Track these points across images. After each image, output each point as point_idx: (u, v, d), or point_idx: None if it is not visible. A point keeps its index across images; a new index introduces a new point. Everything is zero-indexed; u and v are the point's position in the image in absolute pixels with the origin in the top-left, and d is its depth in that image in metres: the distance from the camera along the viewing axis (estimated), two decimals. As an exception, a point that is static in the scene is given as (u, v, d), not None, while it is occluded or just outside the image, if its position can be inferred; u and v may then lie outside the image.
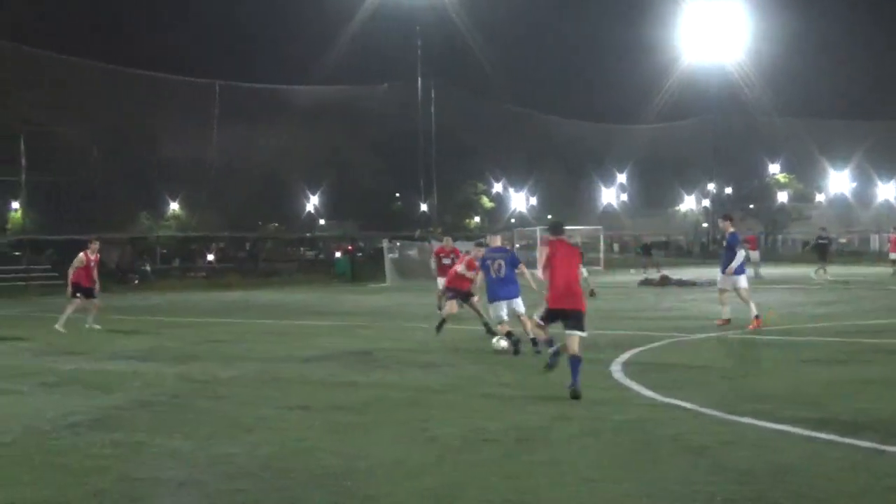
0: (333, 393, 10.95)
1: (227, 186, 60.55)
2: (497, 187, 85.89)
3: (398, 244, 52.60)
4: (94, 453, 8.05)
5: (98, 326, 20.85)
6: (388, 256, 47.99)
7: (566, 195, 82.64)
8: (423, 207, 68.51)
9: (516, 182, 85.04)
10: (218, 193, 60.13)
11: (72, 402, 10.69)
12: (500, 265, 14.38)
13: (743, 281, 17.72)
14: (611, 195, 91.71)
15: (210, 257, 71.91)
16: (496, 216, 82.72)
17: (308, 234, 75.11)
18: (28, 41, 51.99)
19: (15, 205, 60.25)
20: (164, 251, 69.77)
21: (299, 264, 66.89)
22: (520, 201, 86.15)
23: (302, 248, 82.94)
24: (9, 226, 60.38)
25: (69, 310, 20.78)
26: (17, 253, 56.48)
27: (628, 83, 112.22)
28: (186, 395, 11.14)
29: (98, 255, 21.74)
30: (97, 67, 54.95)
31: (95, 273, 21.33)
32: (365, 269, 51.07)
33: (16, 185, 54.17)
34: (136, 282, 49.47)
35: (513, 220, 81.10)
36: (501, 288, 14.38)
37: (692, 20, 71.42)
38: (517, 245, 54.25)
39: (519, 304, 14.52)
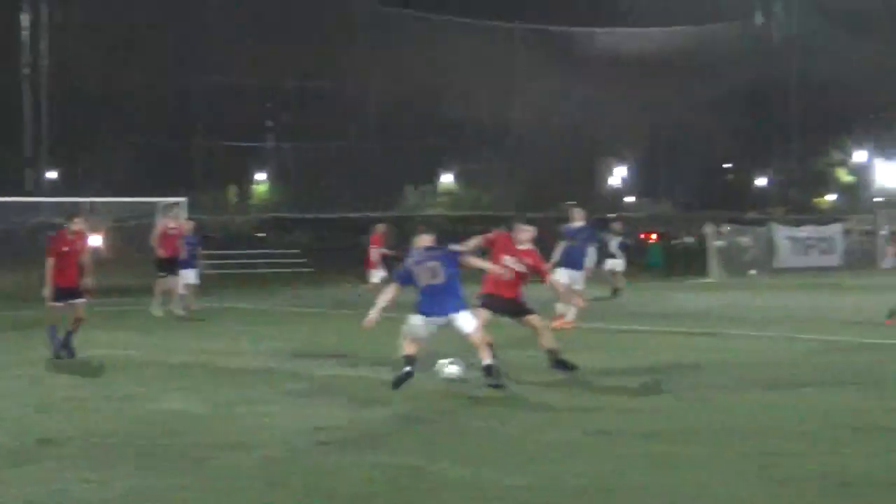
0: (640, 417, 10.98)
1: (517, 155, 61.29)
2: (859, 156, 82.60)
3: (727, 228, 51.58)
4: (358, 477, 8.47)
5: (182, 313, 24.47)
6: (714, 244, 47.18)
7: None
8: (762, 182, 67.01)
9: (887, 150, 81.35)
10: (503, 164, 61.00)
11: (328, 413, 11.26)
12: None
13: None
14: None
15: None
16: (855, 193, 79.66)
17: (612, 215, 74.96)
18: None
19: (260, 176, 63.34)
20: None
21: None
22: (890, 175, 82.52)
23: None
24: (252, 200, 63.36)
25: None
26: (261, 234, 58.77)
27: None
28: (457, 412, 11.50)
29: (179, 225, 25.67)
30: (366, 8, 56.58)
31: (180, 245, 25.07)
32: (683, 259, 50.50)
33: (262, 152, 57.17)
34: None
35: (879, 199, 77.85)
36: None
37: None
38: (883, 231, 52.10)
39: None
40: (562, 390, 12.74)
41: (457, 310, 13.09)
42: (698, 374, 14.13)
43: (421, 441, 9.93)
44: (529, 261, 13.97)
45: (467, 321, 12.99)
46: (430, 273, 13.23)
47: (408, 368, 12.71)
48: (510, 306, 14.01)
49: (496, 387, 12.58)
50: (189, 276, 25.50)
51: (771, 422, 10.68)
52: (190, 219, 28.21)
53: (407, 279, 13.41)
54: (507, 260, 13.70)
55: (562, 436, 10.04)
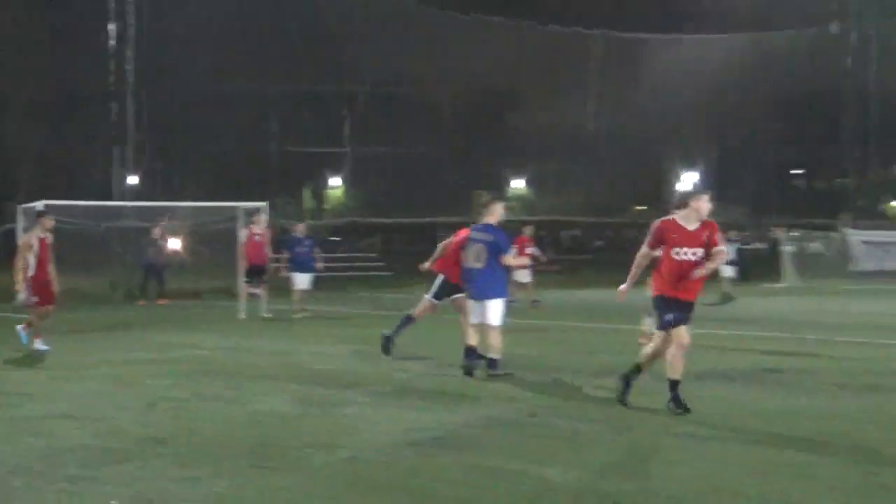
0: (745, 421, 10.96)
1: (587, 160, 61.21)
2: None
3: (797, 234, 51.18)
4: (446, 478, 8.55)
5: (269, 315, 24.91)
6: (786, 249, 46.88)
7: None
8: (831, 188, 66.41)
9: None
10: (574, 169, 60.88)
11: (412, 415, 11.34)
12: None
13: None
14: None
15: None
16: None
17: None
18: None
19: (335, 181, 63.85)
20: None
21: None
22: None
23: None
24: (326, 206, 63.76)
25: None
26: (336, 238, 59.03)
27: None
28: (545, 412, 11.52)
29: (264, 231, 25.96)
30: (441, 15, 56.57)
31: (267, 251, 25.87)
32: (756, 264, 50.11)
33: (337, 158, 57.43)
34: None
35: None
36: None
37: None
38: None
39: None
40: (651, 395, 12.70)
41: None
42: (785, 379, 14.05)
43: (512, 443, 9.96)
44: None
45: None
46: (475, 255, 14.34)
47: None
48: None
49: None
50: (304, 280, 25.85)
51: (870, 428, 10.60)
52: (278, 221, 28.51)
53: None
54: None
55: (657, 440, 10.09)
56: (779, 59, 63.10)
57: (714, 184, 70.23)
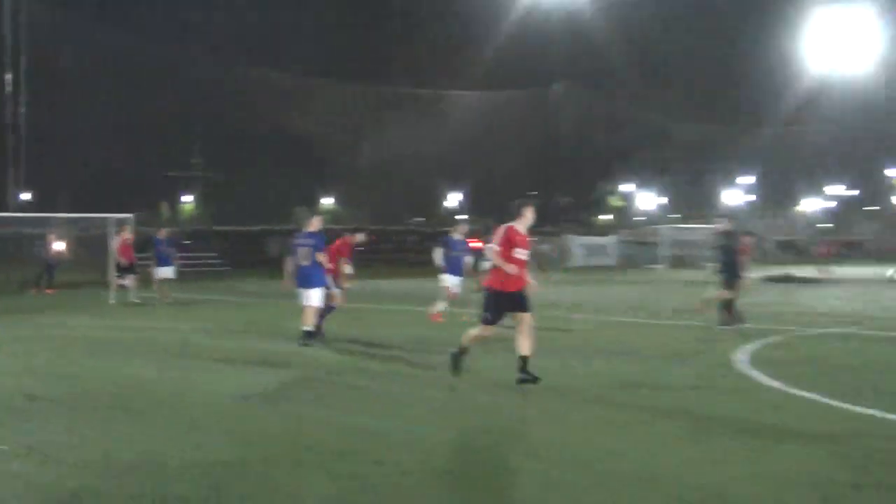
0: (477, 374, 11.06)
1: (378, 184, 61.74)
2: (628, 188, 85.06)
3: (532, 239, 52.48)
4: (266, 423, 8.48)
5: (137, 300, 24.12)
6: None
7: (692, 195, 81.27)
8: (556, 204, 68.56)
9: (645, 183, 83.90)
10: (370, 190, 61.31)
11: (244, 377, 11.13)
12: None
13: None
14: (736, 195, 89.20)
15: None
16: (626, 214, 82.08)
17: (448, 229, 75.51)
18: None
19: (187, 198, 62.75)
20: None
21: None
22: (648, 201, 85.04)
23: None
24: (181, 217, 62.64)
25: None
26: (187, 242, 57.96)
27: (758, 87, 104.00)
28: (348, 373, 11.44)
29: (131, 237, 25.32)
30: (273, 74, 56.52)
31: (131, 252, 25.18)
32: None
33: (188, 180, 56.26)
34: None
35: (639, 218, 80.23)
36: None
37: (822, 29, 67.71)
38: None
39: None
40: (423, 357, 12.77)
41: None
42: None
43: (318, 396, 9.87)
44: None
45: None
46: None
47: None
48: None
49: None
50: (167, 272, 24.99)
51: (582, 382, 10.88)
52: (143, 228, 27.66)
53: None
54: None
55: (423, 392, 10.11)
56: (518, 110, 64.86)
57: (472, 202, 71.98)
